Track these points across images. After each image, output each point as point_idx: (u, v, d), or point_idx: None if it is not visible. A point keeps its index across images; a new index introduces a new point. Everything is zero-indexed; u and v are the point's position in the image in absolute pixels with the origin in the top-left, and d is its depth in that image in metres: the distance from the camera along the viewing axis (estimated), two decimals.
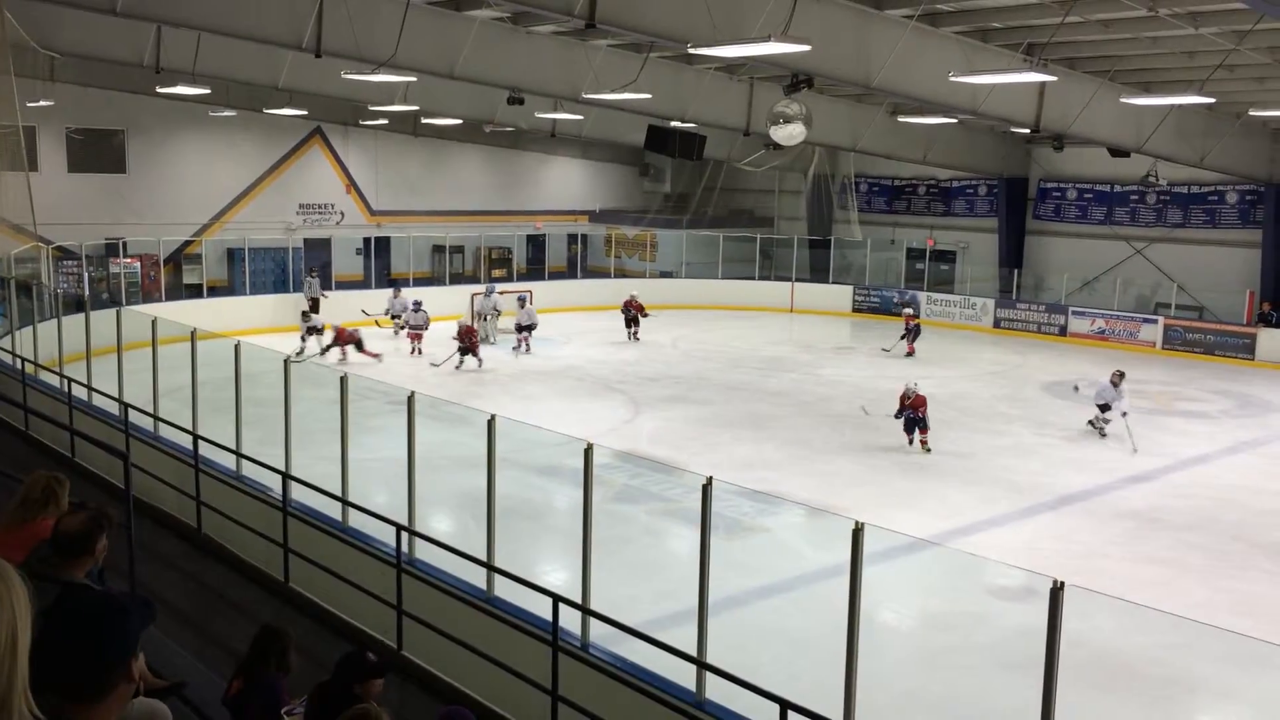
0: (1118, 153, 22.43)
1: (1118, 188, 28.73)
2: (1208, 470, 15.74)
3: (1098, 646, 8.84)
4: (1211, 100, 17.83)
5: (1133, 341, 26.66)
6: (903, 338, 25.22)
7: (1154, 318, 26.88)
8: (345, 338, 22.46)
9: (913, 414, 16.31)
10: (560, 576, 9.70)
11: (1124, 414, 17.00)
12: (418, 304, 24.12)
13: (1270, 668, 8.63)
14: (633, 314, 26.23)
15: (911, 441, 16.39)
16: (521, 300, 25.73)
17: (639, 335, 26.08)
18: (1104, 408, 17.38)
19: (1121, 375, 17.48)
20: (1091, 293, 28.86)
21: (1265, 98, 19.43)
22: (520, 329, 24.40)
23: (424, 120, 30.49)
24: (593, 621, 7.20)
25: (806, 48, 12.47)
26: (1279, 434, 18.42)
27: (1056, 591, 5.08)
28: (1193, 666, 9.16)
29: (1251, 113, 19.21)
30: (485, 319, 26.07)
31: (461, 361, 22.02)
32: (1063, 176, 29.91)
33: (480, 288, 27.76)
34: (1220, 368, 24.50)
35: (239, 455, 10.65)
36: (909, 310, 26.45)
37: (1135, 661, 9.17)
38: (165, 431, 11.83)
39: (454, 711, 5.53)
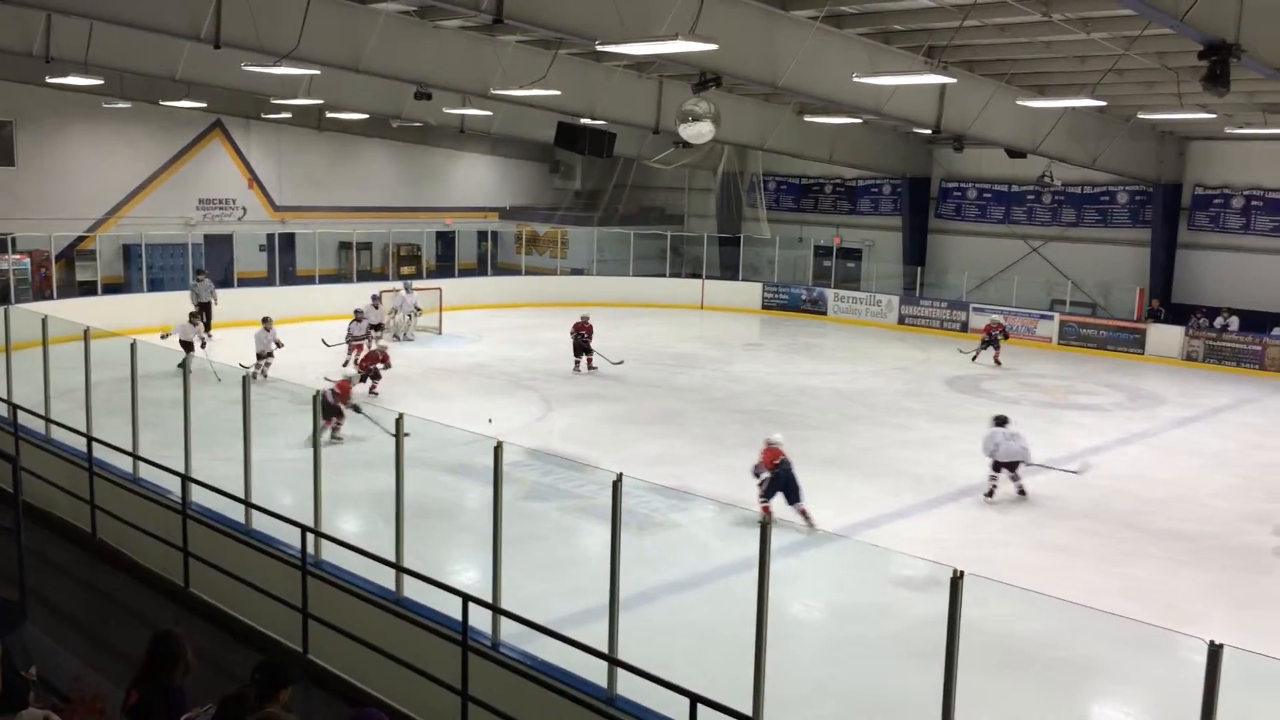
0: (1015, 154, 23.09)
1: (1015, 188, 29.60)
2: (1101, 460, 16.29)
3: (996, 632, 9.11)
4: (1103, 103, 18.46)
5: (1030, 337, 27.48)
6: (985, 345, 24.28)
7: (1050, 314, 27.76)
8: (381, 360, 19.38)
9: (758, 467, 12.64)
10: (471, 576, 9.64)
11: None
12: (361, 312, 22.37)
13: (1155, 649, 8.99)
14: (584, 340, 22.31)
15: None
16: (265, 320, 20.67)
17: (594, 364, 22.16)
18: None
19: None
20: (992, 289, 29.67)
21: (1153, 101, 20.21)
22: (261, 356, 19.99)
23: (329, 114, 29.95)
24: (504, 620, 7.18)
25: (713, 46, 12.58)
26: (1168, 425, 19.18)
27: (956, 581, 5.24)
28: (1084, 649, 9.48)
29: (1140, 115, 19.95)
30: (406, 316, 25.71)
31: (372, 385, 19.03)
32: (963, 177, 30.69)
33: (394, 285, 27.27)
34: (1112, 362, 25.42)
35: (135, 457, 10.37)
36: (996, 318, 24.91)
37: (1030, 646, 9.47)
38: (57, 434, 11.47)
39: (365, 714, 5.45)
